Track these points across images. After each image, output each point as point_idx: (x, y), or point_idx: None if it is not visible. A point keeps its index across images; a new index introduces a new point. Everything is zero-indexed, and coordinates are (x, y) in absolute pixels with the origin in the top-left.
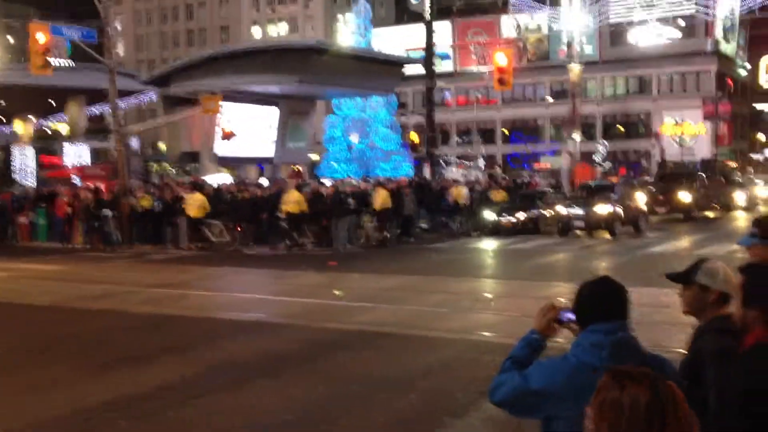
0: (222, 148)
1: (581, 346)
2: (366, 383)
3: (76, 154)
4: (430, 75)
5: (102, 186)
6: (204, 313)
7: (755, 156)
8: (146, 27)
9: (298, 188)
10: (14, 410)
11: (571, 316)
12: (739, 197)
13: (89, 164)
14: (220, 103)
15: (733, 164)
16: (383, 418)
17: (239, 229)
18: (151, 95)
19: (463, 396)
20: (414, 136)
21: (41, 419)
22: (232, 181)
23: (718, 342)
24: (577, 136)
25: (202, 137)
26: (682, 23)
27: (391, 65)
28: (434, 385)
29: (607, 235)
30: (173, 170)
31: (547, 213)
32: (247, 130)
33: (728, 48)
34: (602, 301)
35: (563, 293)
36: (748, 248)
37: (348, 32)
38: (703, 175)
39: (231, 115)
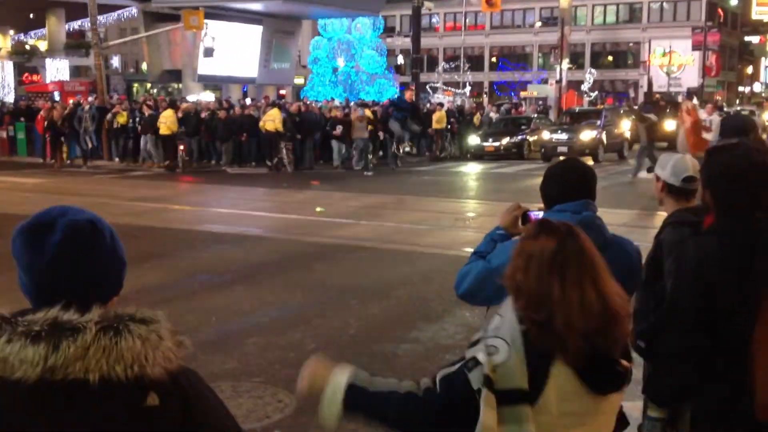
0: (205, 68)
1: None
2: (343, 291)
3: (56, 70)
4: None
5: (82, 101)
6: (183, 226)
7: (743, 88)
8: None
9: (276, 106)
10: None
11: (539, 215)
12: None
13: (68, 80)
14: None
15: (719, 95)
16: (358, 321)
17: (183, 147)
18: (132, 10)
19: (438, 304)
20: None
21: None
22: (213, 101)
23: (674, 233)
24: (565, 64)
25: (185, 56)
26: None
27: None
28: (410, 293)
29: (591, 161)
30: (155, 90)
31: (532, 138)
32: (230, 49)
33: None
34: (568, 181)
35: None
36: None
37: None
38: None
39: (214, 32)
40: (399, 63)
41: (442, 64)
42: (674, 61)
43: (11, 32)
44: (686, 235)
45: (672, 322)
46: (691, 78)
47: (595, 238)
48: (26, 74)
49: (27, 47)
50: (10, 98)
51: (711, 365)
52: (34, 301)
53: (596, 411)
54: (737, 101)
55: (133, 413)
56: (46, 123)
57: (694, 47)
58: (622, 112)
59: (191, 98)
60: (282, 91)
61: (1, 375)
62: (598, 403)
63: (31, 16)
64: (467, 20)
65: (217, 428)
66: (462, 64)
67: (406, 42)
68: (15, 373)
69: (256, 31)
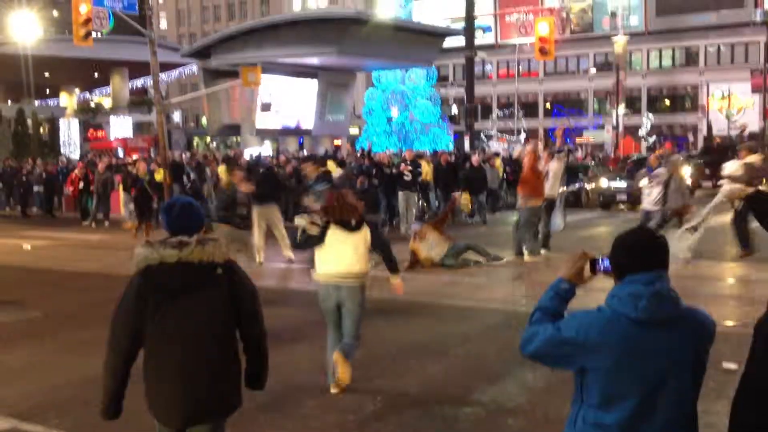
0: (262, 121)
1: (617, 297)
2: (402, 349)
3: (119, 127)
4: (470, 45)
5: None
6: None
7: None
8: (187, 0)
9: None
10: (57, 369)
11: (606, 263)
12: None
13: (131, 136)
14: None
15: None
16: (417, 381)
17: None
18: (192, 68)
19: (498, 363)
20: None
21: (85, 376)
22: (270, 155)
23: None
24: (621, 109)
25: (243, 110)
26: None
27: (431, 36)
28: (469, 352)
29: None
30: (213, 144)
31: (590, 186)
32: (287, 102)
33: None
34: (640, 251)
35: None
36: None
37: (388, 2)
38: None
39: (271, 87)
40: (453, 112)
41: (496, 112)
42: (734, 104)
43: (77, 91)
44: None
45: (747, 398)
46: (751, 121)
47: (670, 311)
48: (91, 130)
49: (92, 105)
50: (75, 155)
51: None
52: (171, 233)
53: (348, 239)
54: None
55: (211, 276)
56: (130, 180)
57: (754, 90)
58: (682, 157)
59: (249, 151)
60: (336, 142)
61: (163, 261)
62: (348, 235)
63: (96, 75)
64: (520, 67)
65: (246, 286)
66: (516, 111)
67: (460, 91)
68: (167, 260)
69: (312, 84)
